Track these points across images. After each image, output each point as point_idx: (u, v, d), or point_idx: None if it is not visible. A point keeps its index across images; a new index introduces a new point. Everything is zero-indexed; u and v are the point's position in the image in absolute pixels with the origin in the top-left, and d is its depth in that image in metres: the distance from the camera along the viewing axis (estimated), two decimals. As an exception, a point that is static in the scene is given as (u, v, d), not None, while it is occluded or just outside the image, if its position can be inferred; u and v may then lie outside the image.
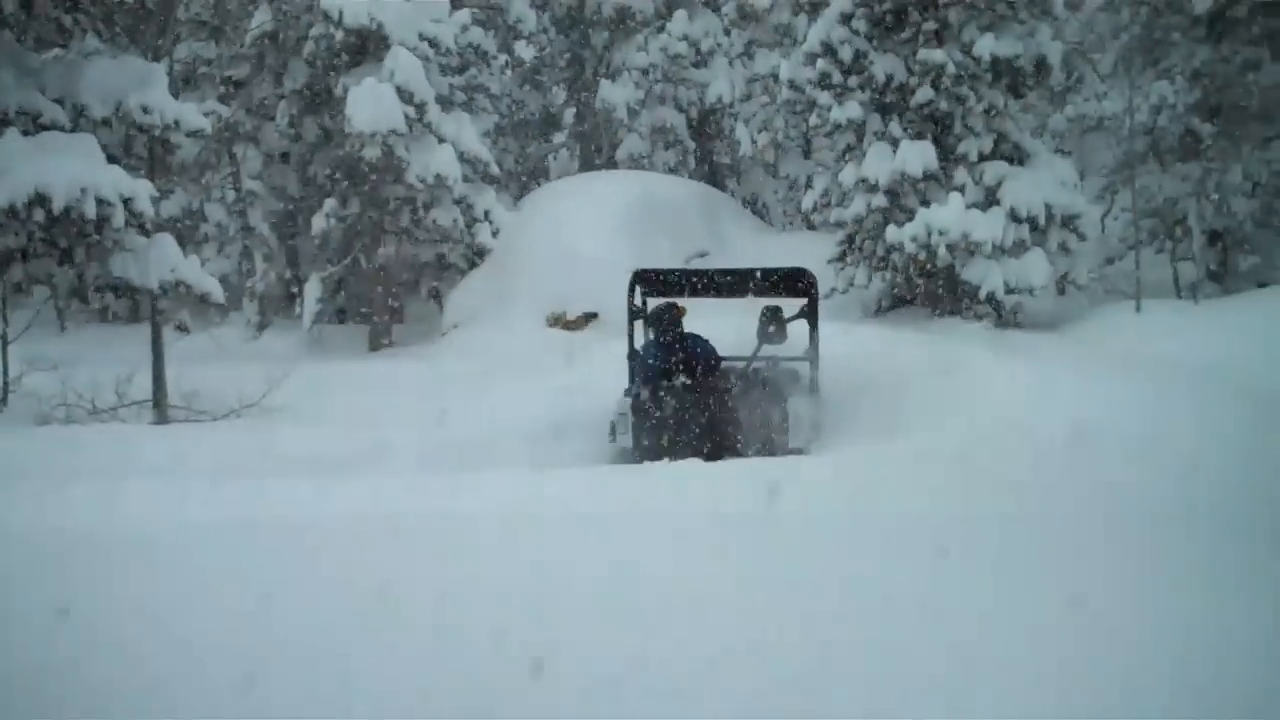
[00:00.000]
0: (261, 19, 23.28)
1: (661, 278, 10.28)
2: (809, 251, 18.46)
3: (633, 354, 10.11)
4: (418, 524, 5.81)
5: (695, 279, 10.27)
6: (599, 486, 6.94)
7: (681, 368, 9.55)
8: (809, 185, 22.28)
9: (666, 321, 9.59)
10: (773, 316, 9.95)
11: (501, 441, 9.80)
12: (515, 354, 15.77)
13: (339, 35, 19.90)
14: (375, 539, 5.45)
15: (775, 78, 22.47)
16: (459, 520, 5.96)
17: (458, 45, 21.95)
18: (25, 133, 11.13)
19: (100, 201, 11.02)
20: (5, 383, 13.02)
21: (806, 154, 26.52)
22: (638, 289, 10.43)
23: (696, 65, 25.66)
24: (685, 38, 25.20)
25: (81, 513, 6.31)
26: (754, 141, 25.99)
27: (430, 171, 19.53)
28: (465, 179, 20.64)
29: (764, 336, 9.88)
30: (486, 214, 20.69)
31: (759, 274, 9.97)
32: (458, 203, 20.32)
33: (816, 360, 9.79)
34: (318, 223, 21.65)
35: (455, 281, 20.87)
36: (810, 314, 9.98)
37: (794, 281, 10.10)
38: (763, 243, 21.22)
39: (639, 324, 10.56)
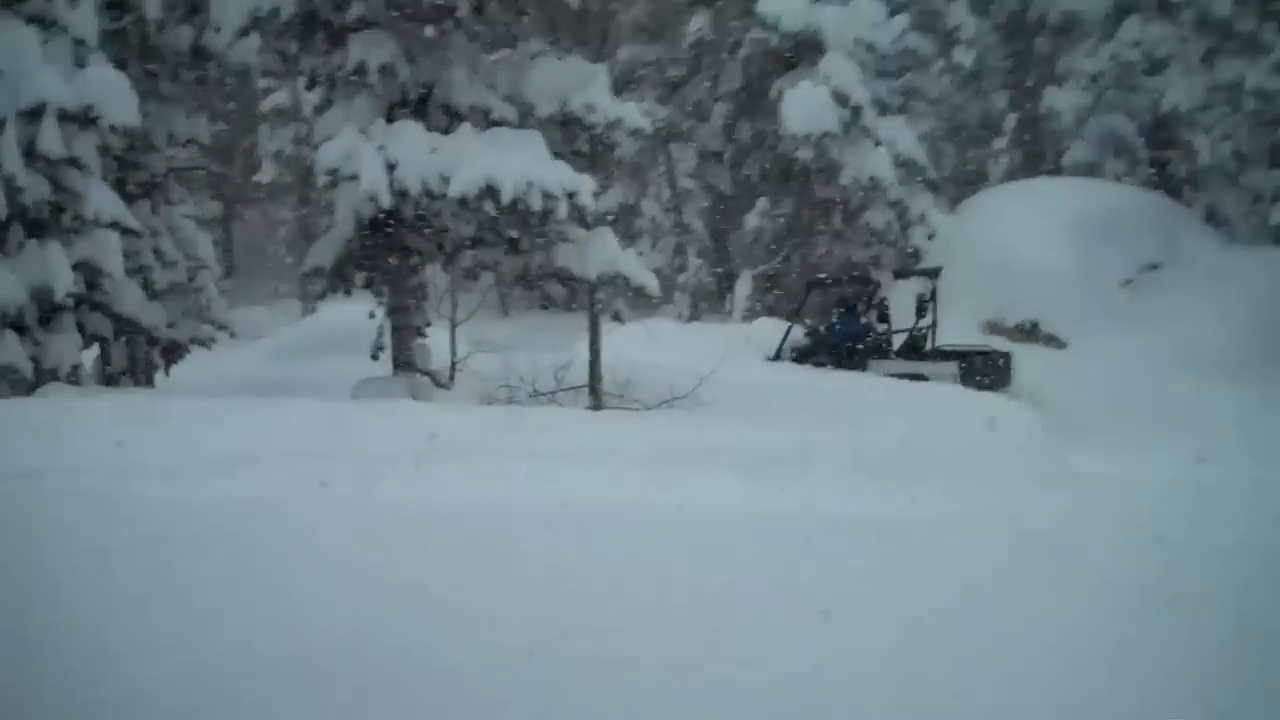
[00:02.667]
0: (698, 24, 23.26)
1: None
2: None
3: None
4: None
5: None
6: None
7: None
8: (1276, 198, 19.73)
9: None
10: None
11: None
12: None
13: (774, 40, 19.40)
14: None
15: (1240, 86, 21.04)
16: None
17: (895, 49, 20.82)
18: (477, 128, 11.33)
19: (545, 195, 11.02)
20: (453, 362, 13.53)
21: (1273, 164, 23.23)
22: None
23: (1149, 72, 23.22)
24: (1137, 44, 22.79)
25: (521, 488, 7.39)
26: (1214, 151, 23.01)
27: (864, 174, 18.62)
28: (900, 182, 19.55)
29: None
30: (922, 217, 19.49)
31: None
32: (892, 205, 19.27)
33: None
34: (750, 221, 21.34)
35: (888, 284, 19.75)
36: None
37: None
38: (1225, 259, 18.46)
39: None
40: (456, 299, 15.71)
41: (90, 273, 12.71)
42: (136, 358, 14.73)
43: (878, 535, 7.27)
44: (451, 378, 14.27)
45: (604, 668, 4.80)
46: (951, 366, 15.58)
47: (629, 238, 26.40)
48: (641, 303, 19.92)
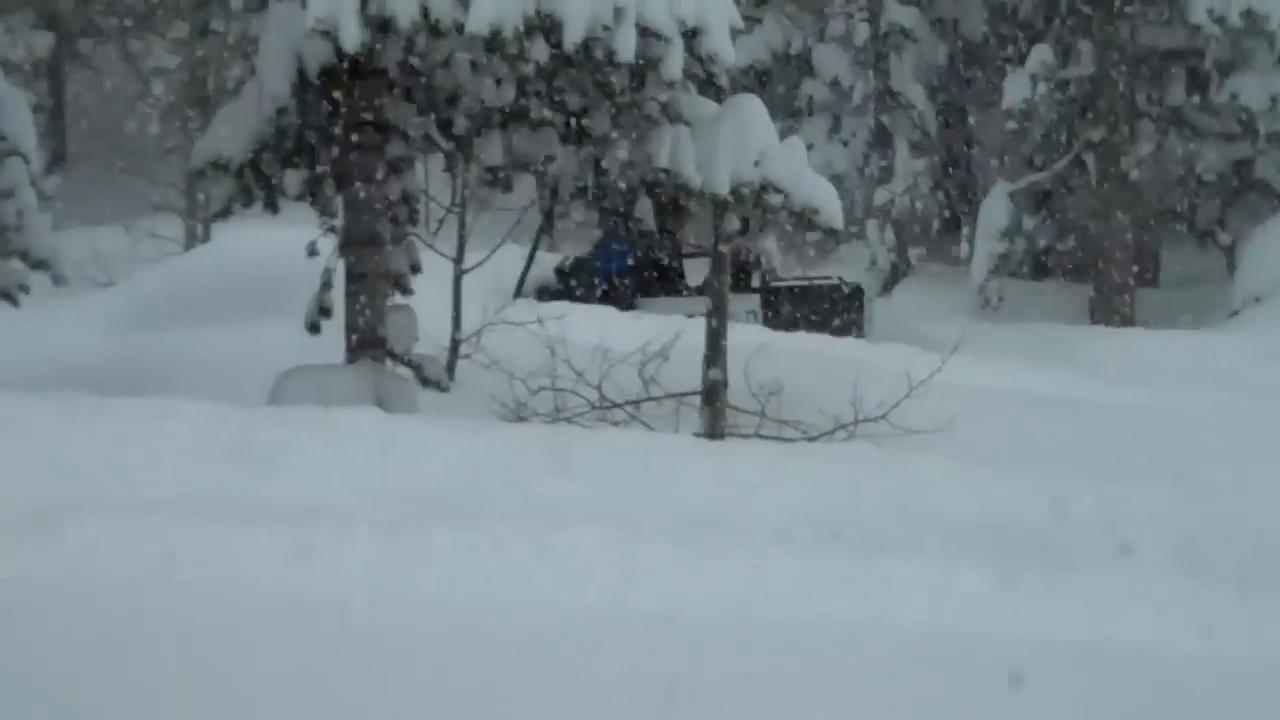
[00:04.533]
0: None
1: None
2: None
3: None
4: None
5: None
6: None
7: None
8: None
9: None
10: None
11: None
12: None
13: None
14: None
15: None
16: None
17: None
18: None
19: (645, 33, 11.46)
20: (456, 342, 14.81)
21: None
22: None
23: None
24: None
25: (572, 584, 7.67)
26: None
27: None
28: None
29: None
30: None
31: None
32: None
33: None
34: (1015, 88, 21.78)
35: None
36: None
37: None
38: None
39: None
40: (467, 225, 15.68)
41: None
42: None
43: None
44: (451, 370, 14.23)
45: None
46: (750, 301, 19.22)
47: (789, 117, 26.31)
48: (808, 240, 19.86)
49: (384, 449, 9.09)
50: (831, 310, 20.99)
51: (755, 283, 21.45)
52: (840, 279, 22.62)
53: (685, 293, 20.28)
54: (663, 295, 20.33)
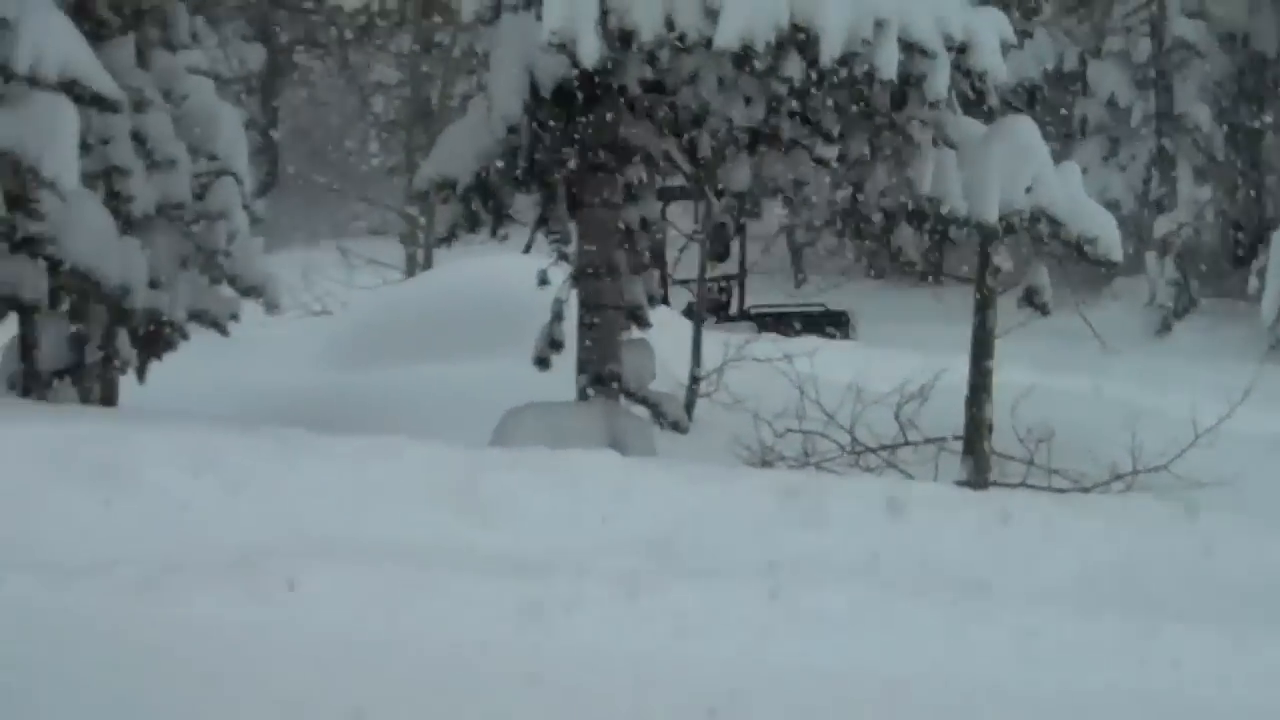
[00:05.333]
0: None
1: None
2: None
3: None
4: None
5: None
6: None
7: None
8: None
9: None
10: None
11: None
12: None
13: None
14: None
15: None
16: None
17: None
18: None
19: (908, 48, 11.39)
20: (695, 379, 14.78)
21: None
22: None
23: None
24: None
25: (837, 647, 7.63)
26: None
27: None
28: None
29: None
30: None
31: None
32: None
33: None
34: None
35: None
36: None
37: None
38: None
39: None
40: (708, 253, 15.70)
41: (15, 178, 13.22)
42: (87, 344, 15.27)
43: None
44: (691, 409, 14.27)
45: None
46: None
47: (1061, 139, 26.07)
48: (1084, 273, 19.57)
49: (619, 495, 9.08)
50: (820, 334, 21.44)
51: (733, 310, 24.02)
52: (825, 305, 24.73)
53: None
54: None
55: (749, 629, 7.71)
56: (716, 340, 15.46)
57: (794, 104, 11.75)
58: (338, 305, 24.97)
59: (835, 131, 11.93)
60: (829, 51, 10.87)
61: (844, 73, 11.09)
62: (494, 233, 12.93)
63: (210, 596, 7.48)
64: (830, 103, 11.67)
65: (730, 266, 23.90)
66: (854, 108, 11.67)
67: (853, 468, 13.04)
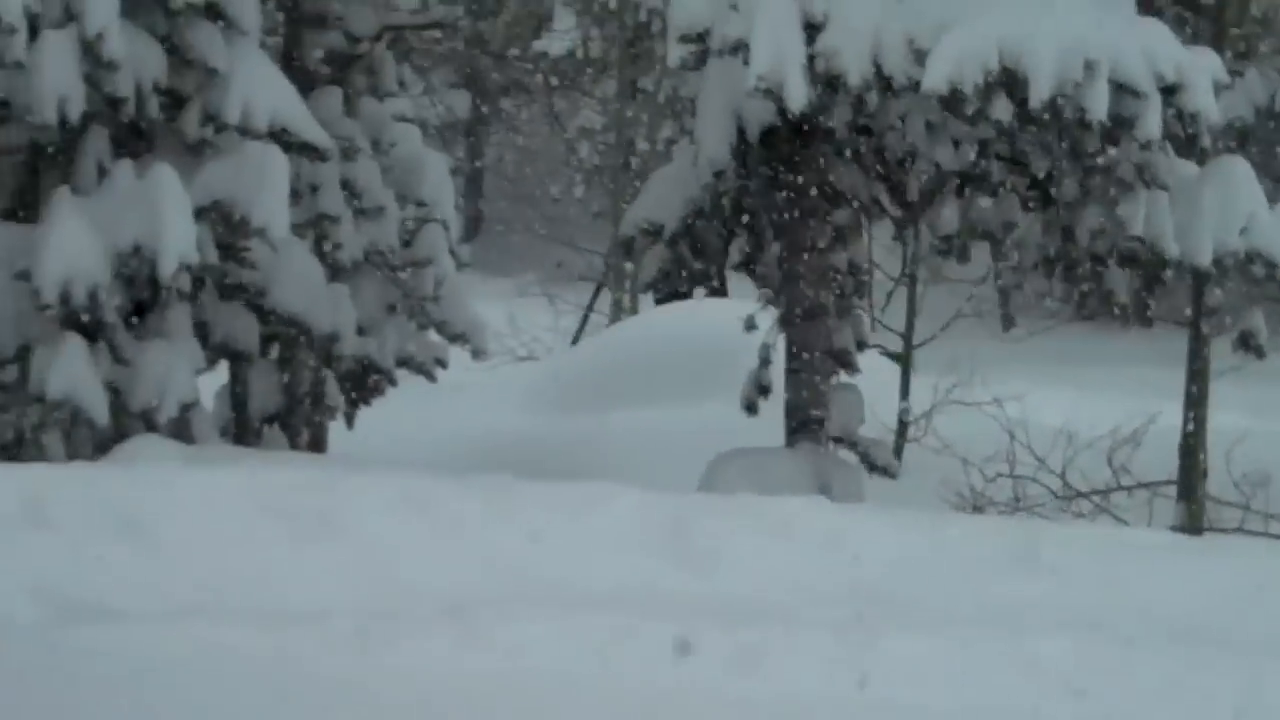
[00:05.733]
0: None
1: None
2: None
3: None
4: None
5: None
6: None
7: None
8: None
9: None
10: None
11: None
12: None
13: None
14: None
15: None
16: None
17: None
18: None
19: (1119, 88, 11.30)
20: (903, 424, 15.07)
21: None
22: None
23: None
24: None
25: None
26: None
27: None
28: None
29: None
30: None
31: None
32: None
33: None
34: None
35: None
36: None
37: None
38: None
39: None
40: (917, 298, 15.67)
41: (226, 227, 13.46)
42: (297, 391, 15.50)
43: None
44: (899, 454, 14.21)
45: None
46: None
47: (1275, 180, 25.63)
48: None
49: (830, 541, 9.03)
50: None
51: None
52: None
53: None
54: None
55: (964, 677, 7.67)
56: (925, 385, 15.34)
57: (1002, 146, 11.74)
58: (544, 351, 25.17)
59: (1044, 173, 11.87)
60: (1038, 94, 10.86)
61: (1053, 114, 11.05)
62: (700, 278, 12.94)
63: (422, 644, 7.56)
64: (1039, 144, 11.63)
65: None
66: (1063, 149, 11.57)
67: (1064, 513, 12.89)
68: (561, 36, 33.47)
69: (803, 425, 12.42)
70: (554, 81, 34.92)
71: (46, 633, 7.63)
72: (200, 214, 12.38)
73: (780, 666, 7.45)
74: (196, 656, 7.00)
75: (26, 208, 13.00)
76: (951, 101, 10.95)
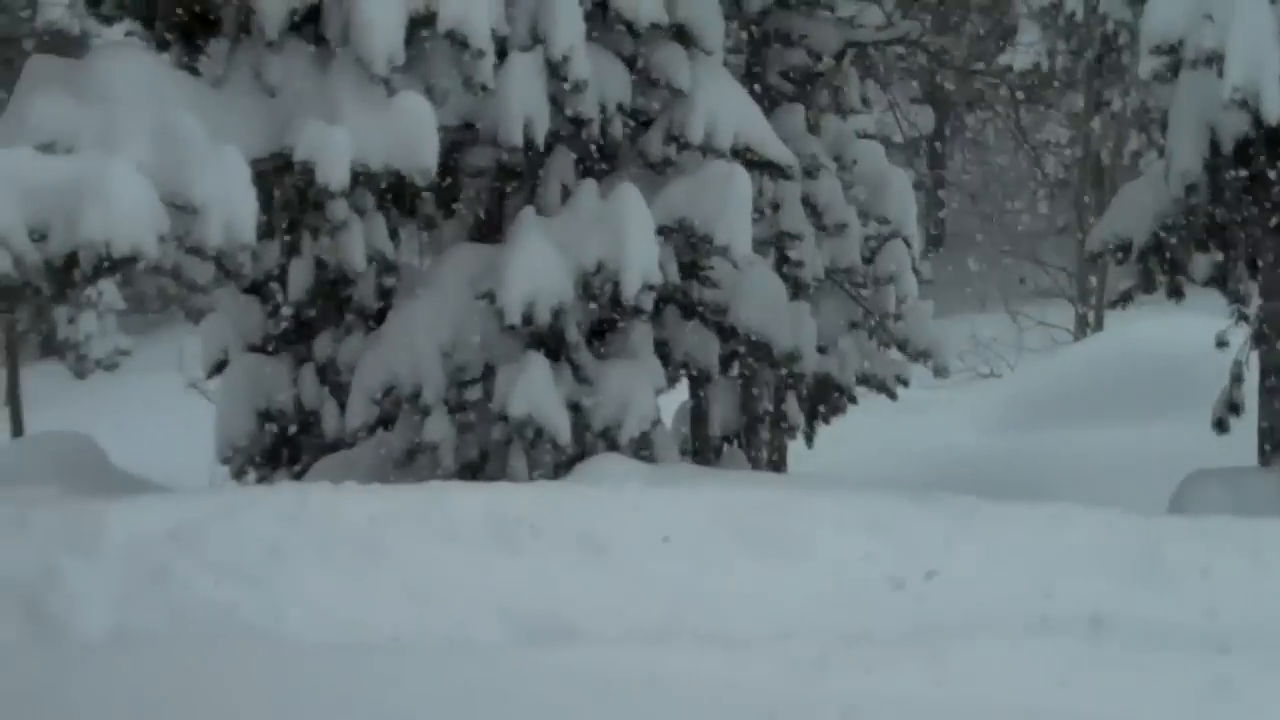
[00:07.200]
0: None
1: None
2: None
3: None
4: None
5: None
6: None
7: None
8: None
9: None
10: None
11: None
12: None
13: None
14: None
15: None
16: None
17: None
18: None
19: None
20: None
21: None
22: None
23: None
24: None
25: None
26: None
27: None
28: None
29: None
30: None
31: None
32: None
33: None
34: None
35: None
36: None
37: None
38: None
39: None
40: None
41: (689, 246, 13.57)
42: (757, 410, 15.56)
43: None
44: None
45: None
46: None
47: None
48: None
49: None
50: None
51: None
52: None
53: None
54: None
55: None
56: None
57: None
58: (1006, 368, 24.88)
59: None
60: None
61: None
62: (1170, 293, 12.68)
63: (890, 672, 7.54)
64: None
65: None
66: None
67: None
68: (1026, 50, 33.03)
69: (1277, 445, 12.08)
70: (1018, 95, 34.51)
71: (510, 654, 7.87)
72: (663, 233, 12.49)
73: (1258, 698, 7.26)
74: (654, 681, 7.07)
75: (492, 229, 13.36)
76: None
